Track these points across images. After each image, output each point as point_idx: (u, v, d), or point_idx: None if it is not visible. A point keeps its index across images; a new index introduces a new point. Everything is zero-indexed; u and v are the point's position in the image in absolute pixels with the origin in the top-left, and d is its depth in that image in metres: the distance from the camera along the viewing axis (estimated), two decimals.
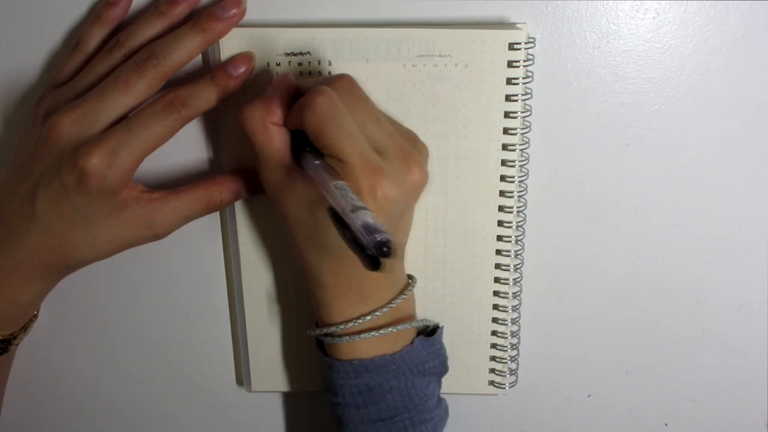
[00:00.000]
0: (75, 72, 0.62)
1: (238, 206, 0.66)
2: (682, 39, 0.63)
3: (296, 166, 0.57)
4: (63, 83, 0.62)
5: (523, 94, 0.62)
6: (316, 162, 0.55)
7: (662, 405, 0.75)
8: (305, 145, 0.56)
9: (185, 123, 0.59)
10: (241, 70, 0.60)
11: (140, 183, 0.62)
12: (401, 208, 0.57)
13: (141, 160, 0.59)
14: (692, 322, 0.72)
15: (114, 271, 0.71)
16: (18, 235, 0.60)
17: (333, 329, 0.61)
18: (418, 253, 0.67)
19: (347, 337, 0.61)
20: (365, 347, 0.62)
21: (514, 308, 0.69)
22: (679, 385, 0.74)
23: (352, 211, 0.47)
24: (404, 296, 0.62)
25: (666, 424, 0.76)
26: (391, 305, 0.61)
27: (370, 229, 0.45)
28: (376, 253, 0.44)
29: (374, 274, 0.58)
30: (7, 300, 0.63)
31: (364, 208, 0.47)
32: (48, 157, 0.58)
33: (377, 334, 0.61)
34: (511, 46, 0.61)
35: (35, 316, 0.69)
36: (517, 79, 0.62)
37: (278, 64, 0.62)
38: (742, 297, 0.71)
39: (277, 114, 0.57)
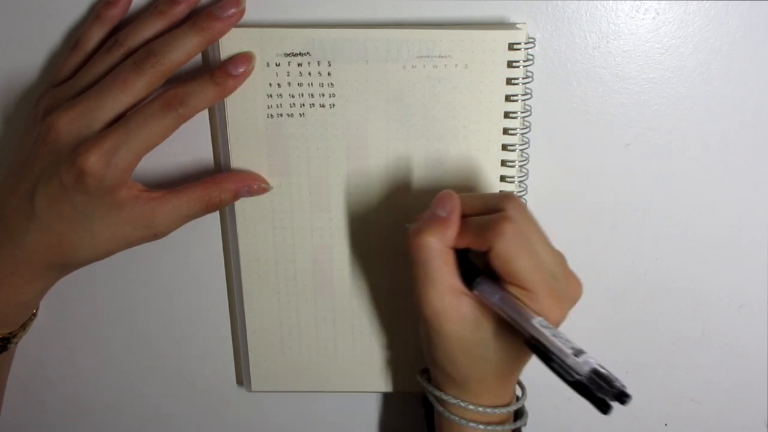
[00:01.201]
0: (74, 71, 0.62)
1: (238, 206, 0.66)
2: (682, 39, 0.63)
3: (463, 286, 0.57)
4: (62, 82, 0.62)
5: (523, 95, 0.62)
6: (498, 294, 0.55)
7: (662, 405, 0.75)
8: (468, 264, 0.57)
9: (183, 121, 0.59)
10: (241, 69, 0.60)
11: (140, 182, 0.61)
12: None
13: (139, 158, 0.59)
14: (692, 322, 0.72)
15: (114, 271, 0.71)
16: (17, 234, 0.60)
17: (447, 398, 0.61)
18: None
19: (456, 417, 0.61)
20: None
21: None
22: (679, 385, 0.75)
23: (576, 355, 0.47)
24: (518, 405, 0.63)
25: (666, 424, 0.76)
26: (509, 407, 0.62)
27: (602, 377, 0.45)
28: (616, 401, 0.45)
29: (511, 381, 0.61)
30: (6, 299, 0.63)
31: (584, 352, 0.47)
32: (47, 156, 0.58)
33: (485, 428, 0.61)
34: (511, 47, 0.60)
35: (34, 315, 0.69)
36: (517, 79, 0.61)
37: (278, 65, 0.62)
38: (742, 297, 0.71)
39: (451, 237, 0.56)
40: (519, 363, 0.61)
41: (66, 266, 0.63)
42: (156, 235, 0.62)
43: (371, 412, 0.78)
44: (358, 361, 0.72)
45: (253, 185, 0.64)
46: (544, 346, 0.50)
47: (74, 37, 0.62)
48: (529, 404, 0.67)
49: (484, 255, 0.55)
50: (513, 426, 0.63)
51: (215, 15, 0.59)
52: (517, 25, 0.61)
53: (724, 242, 0.69)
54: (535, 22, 0.62)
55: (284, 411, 0.78)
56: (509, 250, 0.54)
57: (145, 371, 0.76)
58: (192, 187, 0.62)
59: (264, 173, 0.65)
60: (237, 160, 0.65)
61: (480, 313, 0.56)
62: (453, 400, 0.61)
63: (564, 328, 0.71)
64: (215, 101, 0.60)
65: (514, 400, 0.63)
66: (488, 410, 0.61)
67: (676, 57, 0.64)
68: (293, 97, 0.63)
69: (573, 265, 0.69)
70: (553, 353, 0.49)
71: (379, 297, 0.70)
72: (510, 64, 0.61)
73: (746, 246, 0.69)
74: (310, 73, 0.62)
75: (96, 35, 0.62)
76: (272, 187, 0.66)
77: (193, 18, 0.59)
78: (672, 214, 0.68)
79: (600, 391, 0.45)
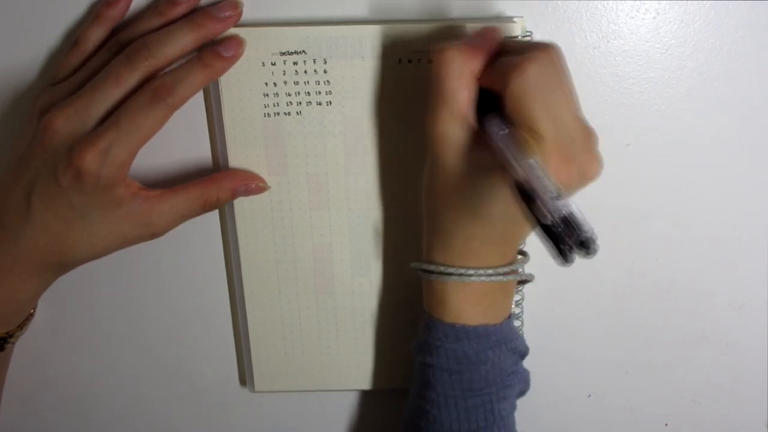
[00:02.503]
0: (73, 70, 0.62)
1: (238, 206, 0.67)
2: (682, 39, 0.63)
3: (475, 124, 0.55)
4: (61, 81, 0.62)
5: None
6: (505, 131, 0.52)
7: (662, 405, 0.75)
8: (489, 107, 0.54)
9: (174, 110, 0.58)
10: (231, 52, 0.60)
11: (138, 181, 0.62)
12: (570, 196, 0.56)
13: (135, 153, 0.58)
14: (692, 322, 0.72)
15: (114, 272, 0.71)
16: (14, 233, 0.60)
17: (445, 269, 0.60)
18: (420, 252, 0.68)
19: (455, 277, 0.59)
20: (471, 313, 0.61)
21: (516, 305, 0.69)
22: (679, 385, 0.74)
23: (553, 198, 0.44)
24: (518, 266, 0.62)
25: (666, 424, 0.76)
26: (512, 267, 0.61)
27: (574, 223, 0.43)
28: (577, 250, 0.42)
29: (501, 247, 0.59)
30: (3, 298, 0.63)
31: (566, 198, 0.44)
32: (43, 155, 0.58)
33: (484, 279, 0.59)
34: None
35: (32, 314, 0.69)
36: None
37: (273, 64, 0.62)
38: (742, 297, 0.71)
39: (478, 64, 0.55)
40: (512, 230, 0.59)
41: (63, 265, 0.63)
42: (153, 234, 0.62)
43: (375, 410, 0.77)
44: (361, 358, 0.72)
45: (251, 184, 0.65)
46: (528, 184, 0.47)
47: (74, 36, 0.62)
48: (528, 404, 0.68)
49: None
50: (517, 276, 0.62)
51: (212, 14, 0.59)
52: (514, 19, 0.61)
53: (724, 242, 0.69)
54: (535, 21, 0.62)
55: (288, 410, 0.78)
56: (524, 89, 0.51)
57: (147, 372, 0.76)
58: (190, 186, 0.63)
59: (262, 172, 0.65)
60: (235, 160, 0.65)
61: (482, 158, 0.54)
62: (439, 267, 0.60)
63: (565, 328, 0.72)
64: (204, 85, 0.60)
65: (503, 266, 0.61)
66: (470, 271, 0.59)
67: (676, 57, 0.64)
68: (290, 95, 0.63)
69: (573, 265, 0.69)
70: (535, 191, 0.46)
71: (381, 294, 0.70)
72: None
73: (746, 246, 0.69)
74: (306, 71, 0.62)
75: (95, 35, 0.62)
76: (270, 187, 0.66)
77: (189, 15, 0.59)
78: (672, 214, 0.68)
79: (569, 239, 0.43)
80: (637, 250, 0.70)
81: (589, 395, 0.75)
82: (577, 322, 0.72)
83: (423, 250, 0.63)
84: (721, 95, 0.64)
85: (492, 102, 0.54)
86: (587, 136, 0.55)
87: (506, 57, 0.54)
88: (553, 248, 0.44)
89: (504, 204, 0.54)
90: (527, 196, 0.47)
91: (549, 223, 0.44)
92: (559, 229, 0.43)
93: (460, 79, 0.55)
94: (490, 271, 0.59)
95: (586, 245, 0.42)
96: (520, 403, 0.69)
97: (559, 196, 0.44)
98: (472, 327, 0.61)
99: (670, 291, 0.71)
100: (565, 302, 0.71)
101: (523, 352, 0.65)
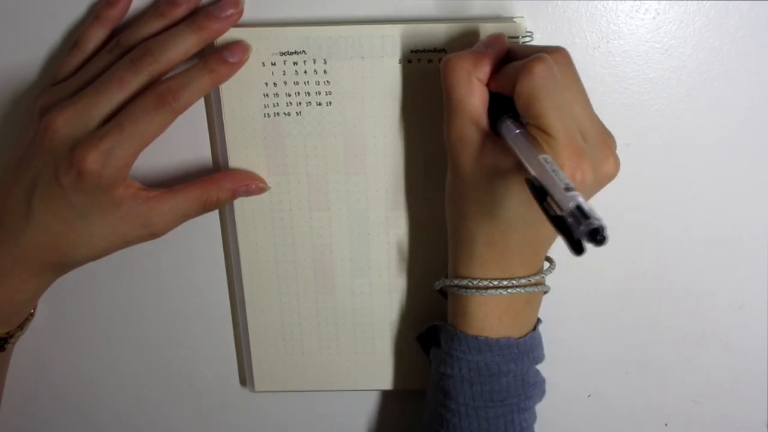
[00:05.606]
0: (73, 71, 0.62)
1: (238, 206, 0.66)
2: (682, 39, 0.63)
3: (489, 129, 0.56)
4: (61, 82, 0.62)
5: None
6: (517, 131, 0.53)
7: (662, 405, 0.75)
8: (502, 110, 0.55)
9: (177, 115, 0.59)
10: (237, 58, 0.60)
11: (138, 181, 0.62)
12: (588, 196, 0.56)
13: (136, 155, 0.59)
14: (692, 322, 0.72)
15: (114, 272, 0.71)
16: (14, 233, 0.60)
17: (467, 282, 0.60)
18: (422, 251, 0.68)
19: (477, 291, 0.60)
20: (495, 325, 0.61)
21: None
22: (679, 385, 0.74)
23: (565, 190, 0.45)
24: (542, 275, 0.62)
25: (666, 424, 0.76)
26: (537, 277, 0.61)
27: (583, 213, 0.43)
28: (588, 239, 0.42)
29: (524, 254, 0.59)
30: (3, 298, 0.63)
31: (575, 190, 0.45)
32: (44, 155, 0.58)
33: (505, 292, 0.60)
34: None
35: (32, 315, 0.69)
36: None
37: (273, 64, 0.62)
38: (742, 297, 0.71)
39: (484, 70, 0.56)
40: (533, 234, 0.59)
41: (63, 265, 0.63)
42: (153, 234, 0.62)
43: (374, 410, 0.78)
44: (360, 359, 0.72)
45: (251, 185, 0.65)
46: (538, 180, 0.48)
47: (74, 37, 0.62)
48: None
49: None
50: (536, 288, 0.62)
51: (213, 15, 0.59)
52: (514, 19, 0.61)
53: (724, 242, 0.69)
54: (534, 21, 0.62)
55: (287, 410, 0.78)
56: (533, 88, 0.52)
57: (147, 372, 0.76)
58: (190, 186, 0.63)
59: (262, 173, 0.65)
60: (235, 160, 0.65)
61: (499, 161, 0.55)
62: (462, 281, 0.60)
63: (565, 328, 0.72)
64: (208, 90, 0.60)
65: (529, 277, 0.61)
66: (493, 282, 0.60)
67: (676, 57, 0.64)
68: (290, 95, 0.63)
69: (573, 265, 0.69)
70: (545, 186, 0.47)
71: (381, 294, 0.70)
72: None
73: (746, 246, 0.69)
74: (306, 72, 0.62)
75: (95, 35, 0.62)
76: (270, 187, 0.66)
77: (191, 17, 0.59)
78: (672, 214, 0.68)
79: (578, 229, 0.43)
80: (637, 250, 0.70)
81: (589, 395, 0.75)
82: (577, 322, 0.72)
83: (449, 264, 0.63)
84: (721, 95, 0.64)
85: (505, 105, 0.55)
86: (601, 135, 0.56)
87: (515, 61, 0.55)
88: (565, 240, 0.45)
89: (523, 206, 0.55)
90: (541, 193, 0.47)
91: (559, 215, 0.45)
92: (570, 221, 0.44)
93: (467, 86, 0.56)
94: (514, 282, 0.60)
95: (594, 235, 0.42)
96: None
97: (568, 189, 0.45)
98: (495, 339, 0.61)
99: (670, 291, 0.71)
100: (565, 302, 0.71)
101: (540, 360, 0.65)
